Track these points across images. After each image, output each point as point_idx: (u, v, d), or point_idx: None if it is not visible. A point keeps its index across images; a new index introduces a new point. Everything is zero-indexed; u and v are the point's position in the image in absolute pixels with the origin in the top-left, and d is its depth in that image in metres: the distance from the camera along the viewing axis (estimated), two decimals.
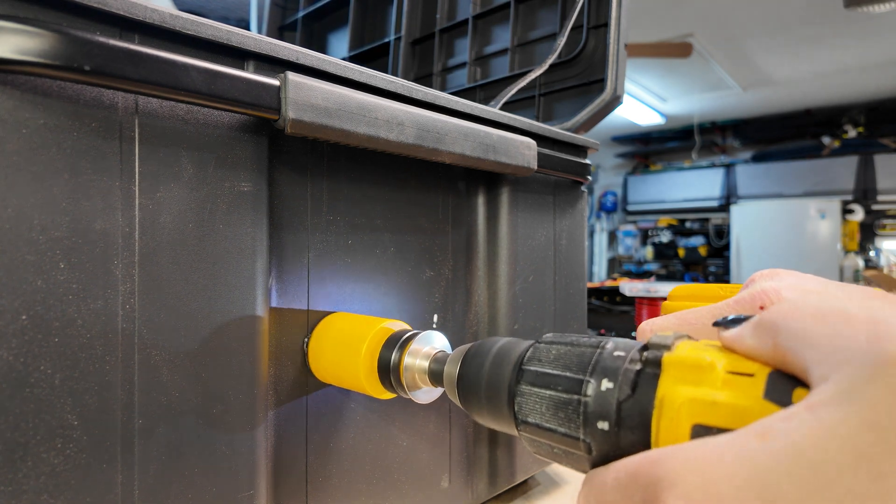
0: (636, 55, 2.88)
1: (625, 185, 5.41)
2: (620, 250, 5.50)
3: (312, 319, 0.36)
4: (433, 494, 0.44)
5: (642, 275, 5.10)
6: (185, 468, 0.28)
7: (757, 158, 4.73)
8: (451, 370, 0.28)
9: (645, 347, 0.20)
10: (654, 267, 5.17)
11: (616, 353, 0.21)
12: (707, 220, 4.97)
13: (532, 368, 0.23)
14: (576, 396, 0.20)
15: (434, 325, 0.44)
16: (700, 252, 4.91)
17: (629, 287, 1.34)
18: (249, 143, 0.31)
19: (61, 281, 0.24)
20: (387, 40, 0.91)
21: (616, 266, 5.56)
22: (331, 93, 0.31)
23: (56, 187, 0.24)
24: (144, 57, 0.24)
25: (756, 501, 0.14)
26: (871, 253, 4.21)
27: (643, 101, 4.02)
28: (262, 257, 0.32)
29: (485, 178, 0.48)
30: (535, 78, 0.63)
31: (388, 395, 0.33)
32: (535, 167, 0.46)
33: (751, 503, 0.14)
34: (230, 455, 0.30)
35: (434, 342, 0.33)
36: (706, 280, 4.71)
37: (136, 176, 0.26)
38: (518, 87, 0.59)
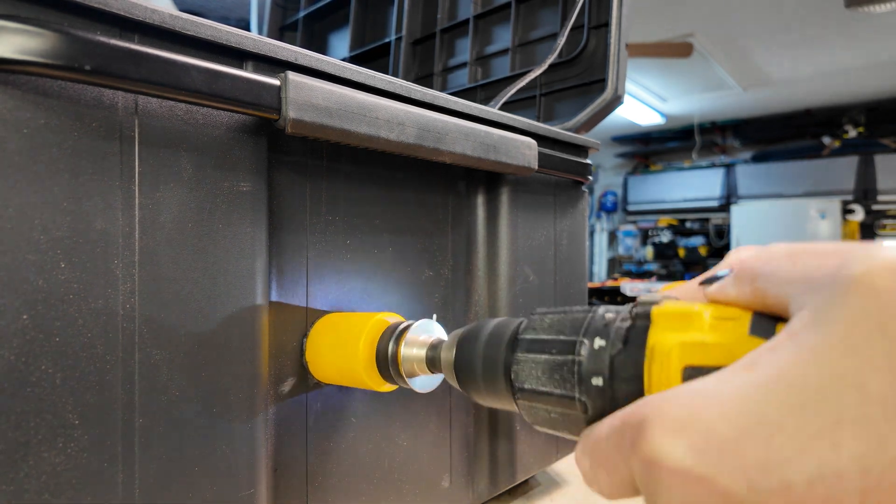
0: (636, 55, 2.88)
1: (625, 185, 5.41)
2: (620, 250, 5.50)
3: (311, 319, 0.36)
4: (433, 494, 0.44)
5: (643, 275, 5.10)
6: (186, 467, 0.28)
7: (757, 158, 4.73)
8: (448, 355, 0.29)
9: (634, 307, 0.21)
10: (654, 267, 5.17)
11: (608, 315, 0.21)
12: (707, 220, 4.97)
13: (527, 337, 0.23)
14: (570, 357, 0.21)
15: None
16: (700, 252, 4.91)
17: (630, 287, 1.34)
18: (249, 143, 0.31)
19: (62, 280, 0.24)
20: (387, 40, 0.91)
21: (616, 266, 5.56)
22: (331, 93, 0.31)
23: (56, 187, 0.24)
24: (145, 57, 0.24)
25: (744, 426, 0.14)
26: None
27: (643, 101, 4.02)
28: (261, 257, 0.32)
29: (485, 178, 0.48)
30: (536, 78, 0.63)
31: (389, 387, 0.33)
32: (536, 167, 0.46)
33: (739, 428, 0.14)
34: (230, 455, 0.30)
35: (431, 330, 0.33)
36: None
37: (137, 176, 0.26)
38: (518, 87, 0.59)
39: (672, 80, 3.67)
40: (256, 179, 0.31)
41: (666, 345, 0.18)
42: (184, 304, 0.28)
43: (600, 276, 5.51)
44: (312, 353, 0.35)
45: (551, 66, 0.65)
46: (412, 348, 0.32)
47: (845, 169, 4.21)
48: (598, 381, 0.20)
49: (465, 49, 0.81)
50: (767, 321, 0.17)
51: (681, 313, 0.19)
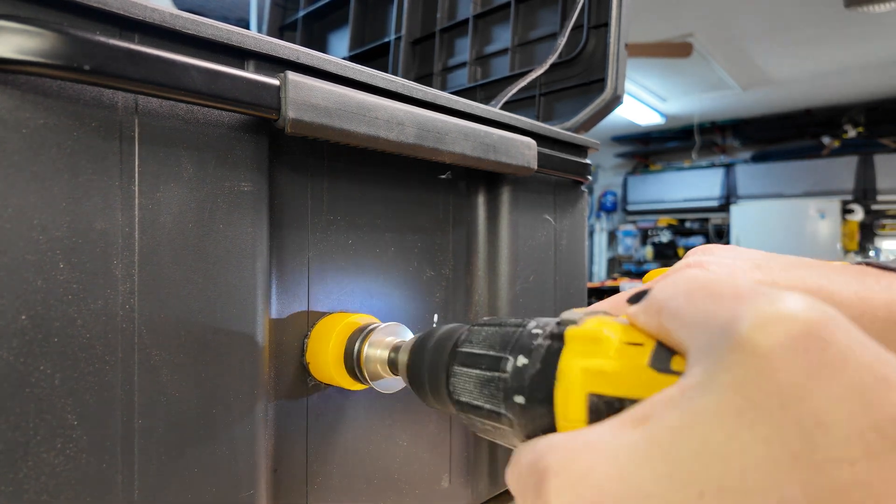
0: (636, 55, 2.88)
1: (625, 185, 5.41)
2: (620, 250, 5.50)
3: (312, 319, 0.36)
4: (433, 494, 0.44)
5: (642, 275, 5.10)
6: (185, 468, 0.28)
7: (757, 158, 4.73)
8: (403, 358, 0.29)
9: (559, 324, 0.21)
10: (653, 267, 5.17)
11: (534, 331, 0.21)
12: (707, 219, 4.98)
13: (464, 350, 0.24)
14: (496, 374, 0.21)
15: (434, 325, 0.44)
16: None
17: (629, 287, 1.34)
18: (249, 142, 0.31)
19: (61, 281, 0.24)
20: (387, 40, 0.91)
21: (616, 266, 5.56)
22: (331, 92, 0.31)
23: (56, 187, 0.24)
24: (144, 56, 0.24)
25: (625, 492, 0.14)
26: (871, 253, 4.21)
27: (643, 100, 4.02)
28: (262, 257, 0.31)
29: (485, 178, 0.48)
30: (536, 78, 0.63)
31: (359, 386, 0.34)
32: (536, 167, 0.46)
33: (621, 494, 0.14)
34: (230, 455, 0.30)
35: (398, 333, 0.34)
36: None
37: (136, 176, 0.26)
38: (518, 87, 0.59)
39: (672, 80, 3.67)
40: (257, 179, 0.31)
41: (572, 371, 0.19)
42: (184, 304, 0.28)
43: (600, 275, 5.52)
44: (310, 353, 0.35)
45: (551, 65, 0.65)
46: (376, 349, 0.32)
47: (845, 169, 4.21)
48: (519, 400, 0.20)
49: (464, 49, 0.81)
50: (666, 354, 0.17)
51: (590, 337, 0.19)
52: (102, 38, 0.23)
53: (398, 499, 0.41)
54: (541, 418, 0.19)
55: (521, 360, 0.21)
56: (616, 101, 0.61)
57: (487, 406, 0.22)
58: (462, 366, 0.23)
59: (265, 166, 0.32)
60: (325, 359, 0.34)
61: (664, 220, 5.19)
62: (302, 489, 0.35)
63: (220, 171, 0.29)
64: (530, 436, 0.20)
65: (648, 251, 5.25)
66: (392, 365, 0.31)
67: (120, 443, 0.26)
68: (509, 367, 0.21)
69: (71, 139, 0.24)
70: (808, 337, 0.13)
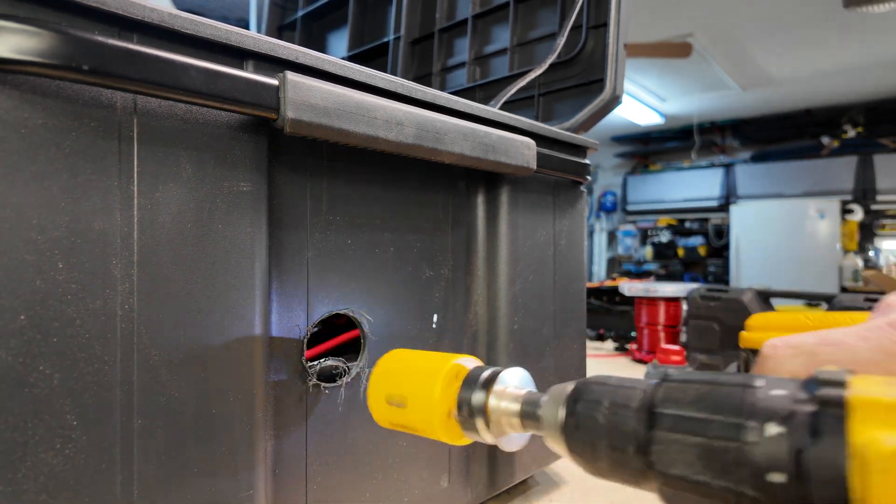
0: (636, 55, 2.88)
1: (624, 185, 5.41)
2: (620, 250, 5.50)
3: (311, 318, 0.36)
4: (433, 494, 0.44)
5: (642, 275, 5.10)
6: (185, 468, 0.28)
7: (756, 158, 4.73)
8: (552, 413, 0.25)
9: (812, 384, 0.18)
10: (653, 267, 5.17)
11: (774, 392, 0.18)
12: (706, 220, 4.97)
13: (670, 412, 0.20)
14: (734, 444, 0.18)
15: (434, 325, 0.44)
16: (699, 252, 4.91)
17: (628, 287, 1.34)
18: (249, 142, 0.31)
19: (60, 281, 0.24)
20: (386, 40, 0.91)
21: (615, 266, 5.56)
22: (330, 92, 0.31)
23: (55, 187, 0.24)
24: (143, 56, 0.24)
25: None
26: (871, 253, 4.21)
27: (642, 101, 4.02)
28: (261, 257, 0.31)
29: (484, 178, 0.48)
30: (535, 78, 0.63)
31: (463, 441, 0.30)
32: (535, 167, 0.46)
33: None
34: (230, 455, 0.30)
35: (521, 381, 0.29)
36: (706, 280, 4.71)
37: (135, 175, 0.26)
38: (518, 87, 0.59)
39: (671, 80, 3.67)
40: (257, 179, 0.31)
41: (884, 450, 0.15)
42: (183, 304, 0.28)
43: (599, 275, 5.51)
44: (375, 394, 0.30)
45: (550, 65, 0.65)
46: (503, 401, 0.27)
47: (844, 169, 4.21)
48: (778, 478, 0.17)
49: (463, 49, 0.81)
50: None
51: (891, 406, 0.16)
52: (101, 38, 0.23)
53: (398, 499, 0.41)
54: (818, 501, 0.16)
55: (774, 429, 0.17)
56: (615, 101, 0.61)
57: (719, 483, 0.18)
58: (672, 431, 0.20)
59: (264, 166, 0.32)
60: (423, 407, 0.28)
61: (664, 220, 5.19)
62: (302, 489, 0.35)
63: (219, 171, 0.29)
64: None
65: (648, 251, 5.25)
66: (529, 419, 0.27)
67: (119, 443, 0.26)
68: (753, 436, 0.18)
69: (70, 139, 0.24)
70: None
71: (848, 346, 0.22)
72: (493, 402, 0.27)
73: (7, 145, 0.22)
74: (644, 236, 5.37)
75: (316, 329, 0.37)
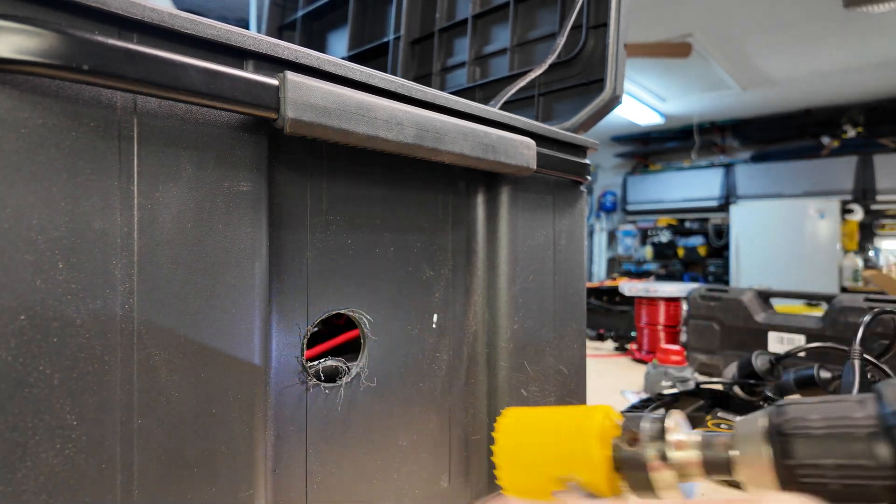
0: (636, 55, 2.88)
1: (624, 185, 5.41)
2: (620, 250, 5.50)
3: (312, 318, 0.36)
4: (433, 494, 0.44)
5: (642, 274, 5.10)
6: (185, 468, 0.28)
7: (756, 158, 4.73)
8: (755, 451, 0.23)
9: None
10: (653, 267, 5.17)
11: None
12: (706, 219, 4.97)
13: None
14: None
15: (434, 325, 0.44)
16: (699, 252, 4.92)
17: (628, 287, 1.34)
18: (249, 142, 0.31)
19: (60, 281, 0.24)
20: (386, 40, 0.91)
21: (615, 266, 5.56)
22: (330, 92, 0.31)
23: (55, 187, 0.24)
24: (143, 56, 0.24)
25: None
26: (871, 253, 4.22)
27: (642, 100, 4.02)
28: (261, 257, 0.31)
29: (484, 178, 0.48)
30: (535, 78, 0.63)
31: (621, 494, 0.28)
32: (535, 167, 0.46)
33: None
34: (229, 455, 0.30)
35: (680, 427, 0.27)
36: (706, 280, 4.71)
37: (135, 175, 0.26)
38: (517, 87, 0.59)
39: (671, 80, 3.67)
40: (257, 179, 0.31)
41: None
42: (183, 304, 0.28)
43: (599, 275, 5.52)
44: (506, 461, 0.29)
45: (550, 65, 0.65)
46: (683, 451, 0.26)
47: (844, 169, 4.21)
48: None
49: (463, 49, 0.81)
50: None
51: None
52: (101, 38, 0.23)
53: (398, 499, 0.41)
54: None
55: None
56: (615, 101, 0.61)
57: None
58: None
59: (264, 166, 0.32)
60: (585, 464, 0.27)
61: (664, 220, 5.19)
62: (302, 489, 0.35)
63: (219, 171, 0.29)
64: None
65: (648, 251, 5.25)
66: (713, 466, 0.25)
67: (119, 443, 0.26)
68: None
69: (70, 139, 0.24)
70: None
71: None
72: (677, 454, 0.26)
73: (7, 145, 0.22)
74: (644, 236, 5.37)
75: (316, 329, 0.37)
